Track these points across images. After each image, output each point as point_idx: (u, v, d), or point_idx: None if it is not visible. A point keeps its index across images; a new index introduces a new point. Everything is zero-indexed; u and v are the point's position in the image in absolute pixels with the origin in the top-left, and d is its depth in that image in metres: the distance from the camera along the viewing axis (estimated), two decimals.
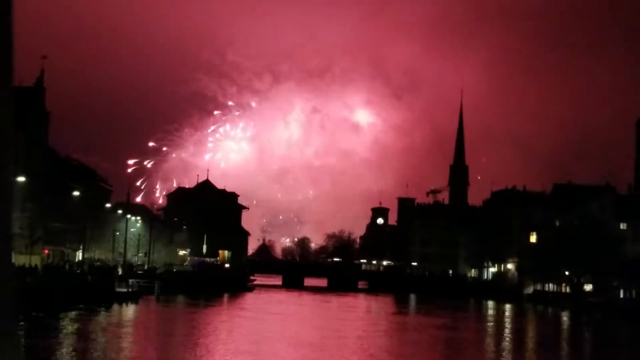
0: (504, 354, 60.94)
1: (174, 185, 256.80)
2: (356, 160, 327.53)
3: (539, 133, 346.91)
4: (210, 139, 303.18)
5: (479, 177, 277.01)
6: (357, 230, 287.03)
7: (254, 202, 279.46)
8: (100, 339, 56.13)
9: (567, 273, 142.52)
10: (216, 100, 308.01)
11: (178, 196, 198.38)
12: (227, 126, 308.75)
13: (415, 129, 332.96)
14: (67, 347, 51.04)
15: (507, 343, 70.36)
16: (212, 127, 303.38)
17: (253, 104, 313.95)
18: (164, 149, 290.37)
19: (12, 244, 4.59)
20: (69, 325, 64.28)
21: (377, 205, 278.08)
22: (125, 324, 71.51)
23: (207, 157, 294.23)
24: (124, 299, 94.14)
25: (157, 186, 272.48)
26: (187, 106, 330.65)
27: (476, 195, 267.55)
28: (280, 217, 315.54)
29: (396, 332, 72.81)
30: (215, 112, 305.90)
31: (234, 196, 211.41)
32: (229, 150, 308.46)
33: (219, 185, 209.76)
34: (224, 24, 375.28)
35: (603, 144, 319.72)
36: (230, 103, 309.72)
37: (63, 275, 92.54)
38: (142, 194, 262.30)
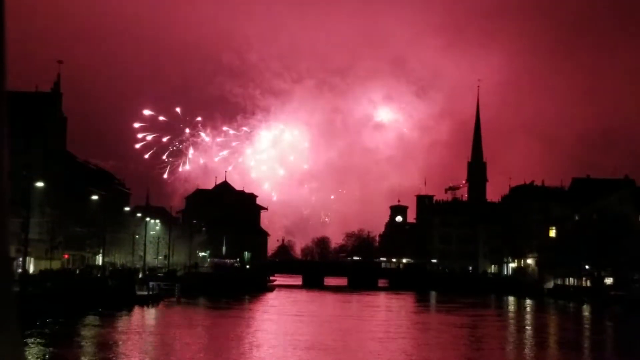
0: (527, 353, 60.55)
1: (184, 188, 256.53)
2: (380, 158, 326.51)
3: (560, 127, 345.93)
4: (231, 140, 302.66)
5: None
6: (381, 228, 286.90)
7: (274, 196, 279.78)
8: (118, 344, 56.12)
9: (587, 267, 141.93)
10: (237, 102, 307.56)
11: (197, 198, 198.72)
12: (249, 128, 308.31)
13: (438, 125, 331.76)
14: (85, 354, 51.16)
15: (530, 341, 69.89)
16: (234, 129, 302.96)
17: (275, 105, 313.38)
18: (185, 150, 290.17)
19: (9, 250, 4.61)
20: (88, 330, 64.46)
21: (398, 203, 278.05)
22: (145, 328, 71.52)
23: (228, 158, 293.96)
24: (144, 302, 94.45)
25: (176, 188, 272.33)
26: (209, 108, 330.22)
27: (495, 191, 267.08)
28: (303, 218, 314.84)
29: (417, 332, 72.47)
30: (237, 114, 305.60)
31: (252, 197, 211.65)
32: (251, 152, 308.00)
33: (239, 186, 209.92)
34: (244, 25, 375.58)
35: (625, 137, 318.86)
36: (251, 104, 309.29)
37: (84, 279, 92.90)
38: (160, 196, 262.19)
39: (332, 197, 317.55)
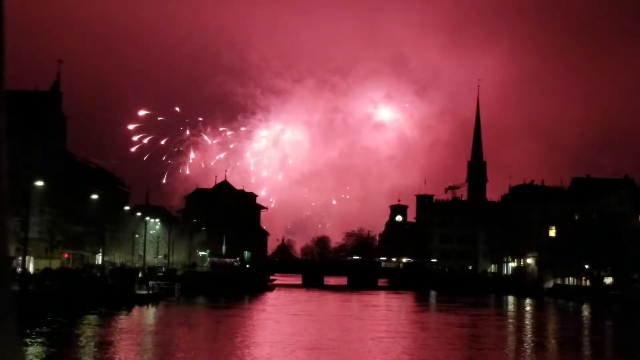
0: (526, 352, 60.49)
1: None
2: (380, 157, 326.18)
3: (560, 126, 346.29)
4: (231, 140, 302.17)
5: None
6: (381, 228, 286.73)
7: (272, 203, 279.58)
8: (118, 344, 56.04)
9: (587, 267, 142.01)
10: (238, 102, 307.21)
11: (197, 197, 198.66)
12: (249, 127, 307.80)
13: (439, 124, 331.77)
14: (84, 353, 51.14)
15: (530, 341, 69.86)
16: (234, 129, 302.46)
17: (275, 105, 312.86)
18: (185, 150, 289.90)
19: (8, 250, 4.60)
20: (88, 329, 64.45)
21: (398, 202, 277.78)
22: (145, 328, 71.52)
23: (228, 158, 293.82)
24: (144, 301, 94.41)
25: (176, 188, 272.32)
26: (209, 108, 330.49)
27: (495, 191, 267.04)
28: (303, 218, 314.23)
29: (417, 332, 72.30)
30: (237, 114, 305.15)
31: (252, 196, 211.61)
32: (251, 151, 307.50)
33: (239, 186, 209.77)
34: (245, 24, 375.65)
35: (625, 136, 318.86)
36: (252, 104, 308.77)
37: (83, 278, 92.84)
38: (160, 195, 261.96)
39: (334, 202, 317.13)
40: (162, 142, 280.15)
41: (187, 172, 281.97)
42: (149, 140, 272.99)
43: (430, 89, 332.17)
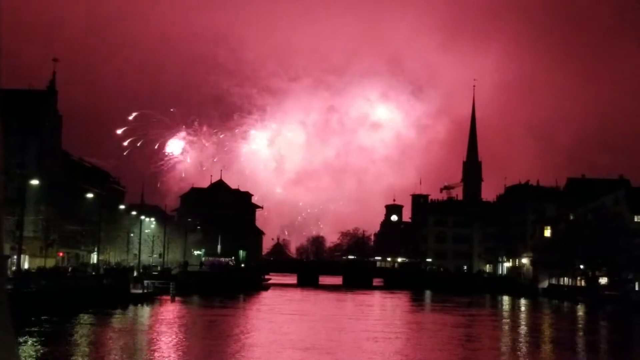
0: (521, 352, 60.55)
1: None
2: (376, 157, 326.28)
3: (556, 126, 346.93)
4: (227, 140, 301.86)
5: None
6: (376, 227, 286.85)
7: (269, 200, 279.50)
8: (112, 343, 55.99)
9: (581, 267, 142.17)
10: (234, 102, 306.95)
11: (192, 196, 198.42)
12: (245, 127, 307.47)
13: (435, 124, 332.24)
14: (79, 352, 51.09)
15: (524, 341, 69.96)
16: (230, 128, 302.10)
17: (271, 104, 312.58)
18: (181, 149, 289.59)
19: (3, 248, 4.62)
20: (83, 328, 64.39)
21: (393, 202, 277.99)
22: (139, 327, 71.48)
23: (224, 157, 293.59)
24: (139, 300, 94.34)
25: (171, 187, 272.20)
26: (205, 108, 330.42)
27: (490, 191, 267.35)
28: (300, 218, 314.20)
29: (412, 333, 72.34)
30: (233, 113, 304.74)
31: (248, 196, 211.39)
32: (247, 151, 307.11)
33: (234, 185, 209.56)
34: (241, 23, 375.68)
35: (620, 137, 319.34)
36: (248, 104, 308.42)
37: (78, 277, 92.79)
38: (155, 195, 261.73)
39: (330, 205, 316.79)
40: (158, 142, 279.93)
41: (183, 171, 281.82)
42: (145, 140, 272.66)
43: (426, 88, 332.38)
